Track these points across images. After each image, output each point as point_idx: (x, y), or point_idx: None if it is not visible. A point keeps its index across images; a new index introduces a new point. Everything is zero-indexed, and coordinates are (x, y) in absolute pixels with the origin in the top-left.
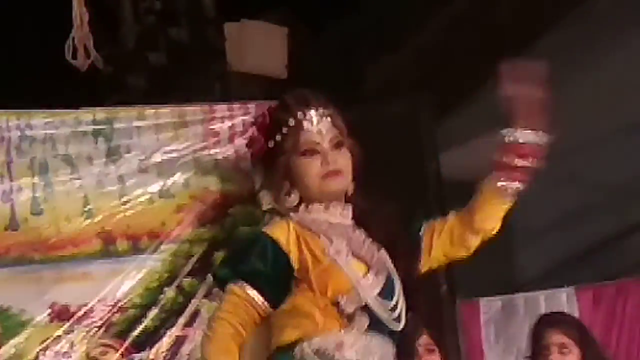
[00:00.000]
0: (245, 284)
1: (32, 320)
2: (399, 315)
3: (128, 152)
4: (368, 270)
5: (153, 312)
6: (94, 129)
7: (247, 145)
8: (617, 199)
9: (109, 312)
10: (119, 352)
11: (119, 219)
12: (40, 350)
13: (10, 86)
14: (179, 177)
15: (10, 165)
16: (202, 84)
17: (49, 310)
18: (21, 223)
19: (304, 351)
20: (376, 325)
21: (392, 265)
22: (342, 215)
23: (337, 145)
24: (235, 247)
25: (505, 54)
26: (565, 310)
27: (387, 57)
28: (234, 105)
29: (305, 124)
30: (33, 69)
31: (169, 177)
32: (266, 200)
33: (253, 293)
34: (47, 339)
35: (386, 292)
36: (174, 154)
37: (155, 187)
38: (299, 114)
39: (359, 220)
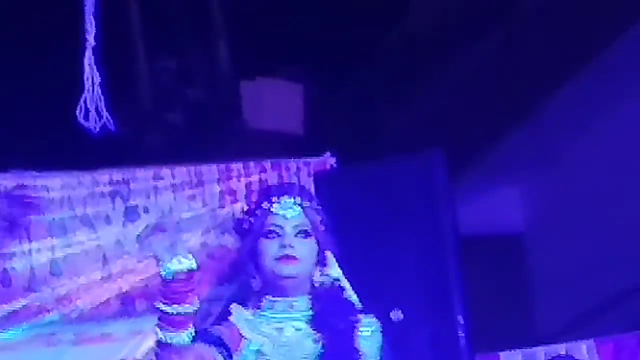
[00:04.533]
0: None
1: None
2: None
3: (146, 212)
4: None
5: None
6: (111, 189)
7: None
8: (636, 250)
9: None
10: None
11: (138, 279)
12: None
13: (27, 148)
14: (196, 236)
15: (28, 227)
16: (219, 143)
17: None
18: (40, 284)
19: None
20: None
21: None
22: (291, 308)
23: (302, 233)
24: None
25: (521, 108)
26: None
27: (402, 113)
28: (250, 163)
29: (275, 207)
30: (49, 130)
31: (186, 236)
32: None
33: None
34: None
35: None
36: (192, 213)
37: None
38: (274, 199)
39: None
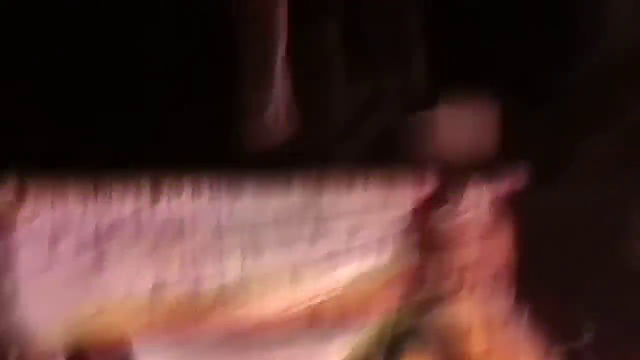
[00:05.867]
0: None
1: None
2: None
3: (336, 223)
4: None
5: None
6: (301, 200)
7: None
8: None
9: None
10: None
11: (326, 295)
12: None
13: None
14: (388, 251)
15: (220, 240)
16: (407, 162)
17: None
18: (228, 300)
19: None
20: None
21: None
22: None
23: None
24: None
25: None
26: None
27: (598, 136)
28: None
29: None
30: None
31: (378, 250)
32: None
33: None
34: None
35: None
36: (383, 226)
37: (363, 262)
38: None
39: None
